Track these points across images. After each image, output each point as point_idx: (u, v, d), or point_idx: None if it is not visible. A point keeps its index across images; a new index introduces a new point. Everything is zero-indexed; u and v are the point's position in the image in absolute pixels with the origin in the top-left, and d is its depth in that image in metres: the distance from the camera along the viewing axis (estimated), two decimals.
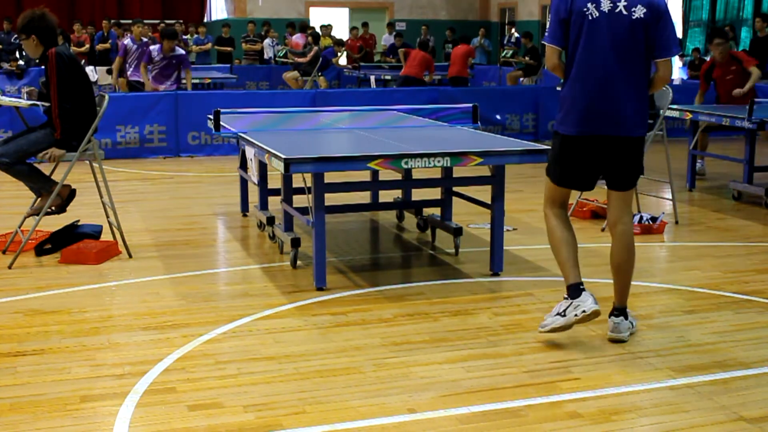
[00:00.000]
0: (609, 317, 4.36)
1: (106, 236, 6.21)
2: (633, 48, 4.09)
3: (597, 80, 4.13)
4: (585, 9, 4.09)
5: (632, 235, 4.39)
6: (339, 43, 18.85)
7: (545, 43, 4.24)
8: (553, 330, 4.23)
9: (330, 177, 5.27)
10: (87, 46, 17.36)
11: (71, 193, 6.02)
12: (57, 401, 3.57)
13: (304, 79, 15.67)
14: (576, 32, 4.12)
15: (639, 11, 4.06)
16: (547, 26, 4.24)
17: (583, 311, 4.18)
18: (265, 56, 19.56)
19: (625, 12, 4.06)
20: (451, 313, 4.74)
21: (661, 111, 6.86)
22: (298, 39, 16.54)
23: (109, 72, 15.82)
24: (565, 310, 4.21)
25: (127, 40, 12.38)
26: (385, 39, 21.22)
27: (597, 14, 4.08)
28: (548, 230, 4.39)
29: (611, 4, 4.07)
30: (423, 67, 14.42)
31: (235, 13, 23.38)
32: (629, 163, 4.26)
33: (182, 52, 11.78)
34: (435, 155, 5.04)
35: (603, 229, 6.75)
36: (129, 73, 12.30)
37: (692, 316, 4.75)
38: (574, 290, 4.24)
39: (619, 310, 4.35)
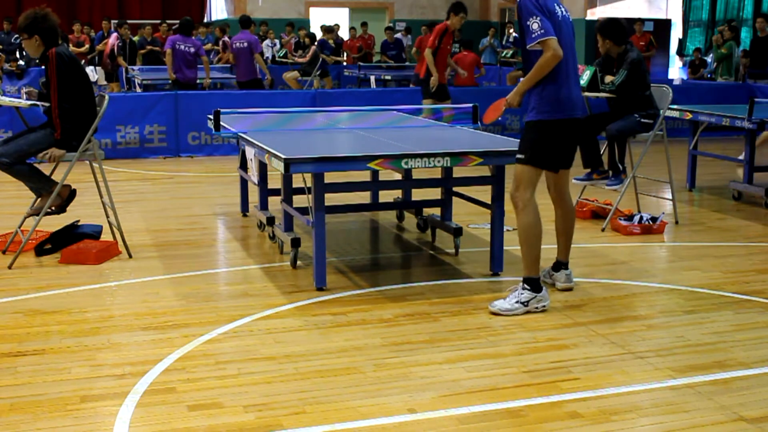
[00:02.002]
0: (559, 271, 5.12)
1: (106, 236, 6.21)
2: (574, 44, 4.79)
3: (572, 70, 4.71)
4: (554, 10, 4.63)
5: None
6: (328, 29, 18.66)
7: (545, 39, 4.49)
8: (511, 315, 4.70)
9: (330, 177, 5.27)
10: (87, 46, 17.34)
11: (71, 193, 6.02)
12: (57, 401, 3.57)
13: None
14: (555, 30, 4.58)
15: (569, 16, 4.80)
16: (533, 28, 4.51)
17: (543, 306, 4.76)
18: (264, 56, 19.55)
19: (569, 17, 4.77)
20: (451, 313, 4.74)
21: (661, 111, 6.86)
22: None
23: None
24: (528, 302, 4.73)
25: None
26: (385, 43, 21.08)
27: (560, 17, 4.66)
28: (529, 223, 4.73)
29: (563, 11, 4.72)
30: None
31: (235, 13, 23.36)
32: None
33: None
34: (435, 155, 5.04)
35: (603, 229, 6.75)
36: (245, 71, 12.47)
37: (692, 316, 4.75)
38: (538, 285, 4.77)
39: (566, 264, 5.13)
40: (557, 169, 4.85)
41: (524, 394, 3.65)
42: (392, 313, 4.74)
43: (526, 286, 4.74)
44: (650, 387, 3.76)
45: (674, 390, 3.72)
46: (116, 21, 17.51)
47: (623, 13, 19.93)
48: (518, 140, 6.04)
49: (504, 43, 20.05)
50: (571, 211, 5.06)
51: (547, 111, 4.67)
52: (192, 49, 11.75)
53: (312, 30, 19.80)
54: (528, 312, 4.71)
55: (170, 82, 11.94)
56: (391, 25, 22.56)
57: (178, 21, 12.51)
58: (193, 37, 12.24)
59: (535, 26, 4.49)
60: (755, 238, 6.60)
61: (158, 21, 19.87)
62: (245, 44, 12.37)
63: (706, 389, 3.72)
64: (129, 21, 17.99)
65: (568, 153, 4.87)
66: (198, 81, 13.03)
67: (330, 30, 18.66)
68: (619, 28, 6.80)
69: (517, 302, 4.72)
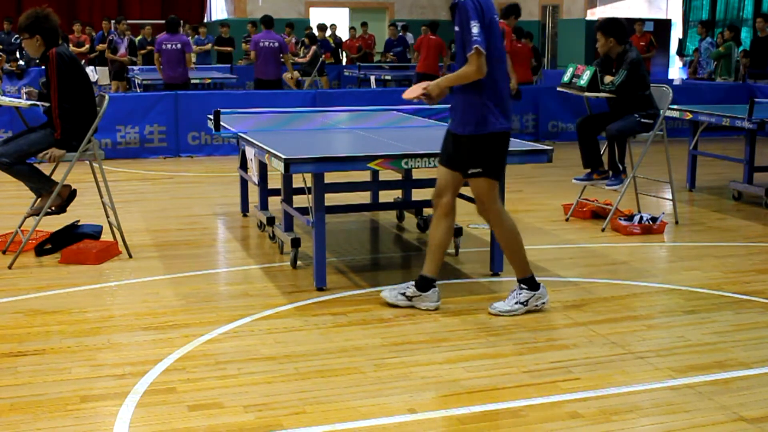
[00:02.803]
0: (429, 290, 4.80)
1: (106, 236, 6.21)
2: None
3: (505, 80, 4.63)
4: (494, 18, 4.50)
5: None
6: (321, 27, 18.76)
7: (481, 49, 4.37)
8: (511, 316, 4.69)
9: (330, 177, 5.27)
10: (87, 46, 17.34)
11: (71, 194, 6.02)
12: (57, 401, 3.58)
13: (301, 79, 15.67)
14: (493, 39, 4.49)
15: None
16: (474, 32, 4.37)
17: (543, 302, 4.77)
18: None
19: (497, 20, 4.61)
20: (451, 313, 4.74)
21: (661, 111, 6.86)
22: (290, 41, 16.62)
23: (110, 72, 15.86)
24: (527, 301, 4.72)
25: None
26: (389, 41, 21.09)
27: (496, 23, 4.53)
28: (508, 230, 4.73)
29: (495, 14, 4.55)
30: (437, 57, 14.10)
31: (235, 13, 23.37)
32: None
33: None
34: (435, 155, 5.04)
35: (603, 229, 6.75)
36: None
37: (692, 316, 4.75)
38: (534, 283, 4.76)
39: (435, 281, 4.89)
40: (500, 178, 4.74)
41: (524, 394, 3.65)
42: (392, 313, 4.74)
43: (523, 286, 4.75)
44: (650, 387, 3.76)
45: (674, 390, 3.72)
46: (114, 19, 17.54)
47: (623, 13, 19.94)
48: (517, 140, 6.06)
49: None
50: (454, 224, 4.89)
51: (495, 122, 4.55)
52: (178, 46, 11.98)
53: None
54: (528, 311, 4.71)
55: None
56: (394, 23, 22.54)
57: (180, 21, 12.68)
58: (181, 34, 12.46)
59: (475, 30, 4.36)
60: (755, 238, 6.60)
61: (160, 21, 19.84)
62: (276, 44, 12.51)
63: (706, 389, 3.72)
64: (130, 21, 18.00)
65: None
66: (197, 81, 13.16)
67: (323, 28, 18.77)
68: (620, 27, 6.82)
69: (516, 303, 4.72)
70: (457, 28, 4.50)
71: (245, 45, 19.40)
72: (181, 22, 14.08)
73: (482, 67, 4.41)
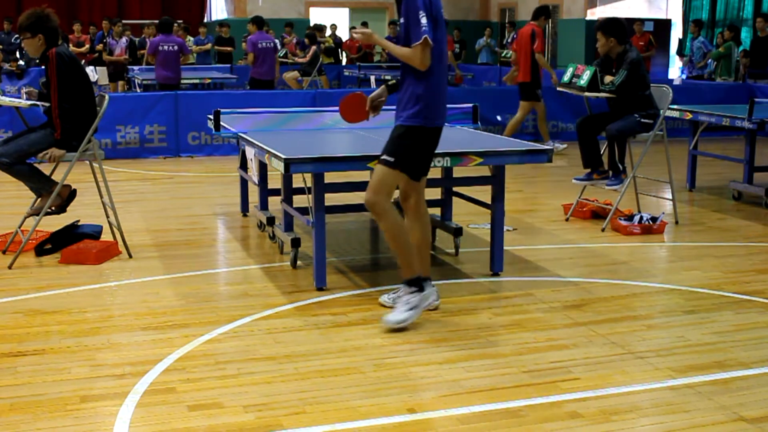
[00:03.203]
0: (429, 287, 4.68)
1: (106, 236, 6.21)
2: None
3: (445, 77, 4.57)
4: (441, 12, 4.43)
5: None
6: (318, 28, 18.80)
7: (429, 40, 4.30)
8: (405, 324, 4.45)
9: (330, 177, 5.27)
10: (87, 46, 17.34)
11: (71, 194, 6.02)
12: (57, 401, 3.58)
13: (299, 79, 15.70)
14: (438, 34, 4.40)
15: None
16: (423, 22, 4.29)
17: (434, 301, 4.69)
18: None
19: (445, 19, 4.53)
20: (451, 313, 4.74)
21: (661, 111, 6.86)
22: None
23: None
24: (418, 304, 4.51)
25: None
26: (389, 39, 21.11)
27: (442, 17, 4.45)
28: (397, 222, 4.56)
29: (443, 11, 4.49)
30: None
31: (235, 13, 23.35)
32: None
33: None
34: (435, 155, 5.03)
35: (603, 229, 6.75)
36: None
37: (692, 316, 4.75)
38: (421, 283, 4.55)
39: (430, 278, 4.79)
40: (420, 178, 4.68)
41: (524, 394, 3.65)
42: None
43: (412, 288, 4.53)
44: (650, 387, 3.77)
45: (674, 390, 3.72)
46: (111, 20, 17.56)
47: (623, 13, 19.93)
48: (517, 140, 6.06)
49: (504, 42, 20.07)
50: (429, 221, 4.86)
51: (429, 117, 4.46)
52: (175, 47, 12.12)
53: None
54: (420, 313, 4.53)
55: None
56: (394, 21, 22.51)
57: (181, 20, 12.71)
58: (174, 35, 12.60)
59: (424, 20, 4.27)
60: (755, 238, 6.60)
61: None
62: (271, 44, 12.74)
63: (706, 389, 3.72)
64: (130, 21, 17.99)
65: (429, 161, 4.72)
66: (197, 80, 13.18)
67: (320, 29, 18.85)
68: (621, 27, 6.82)
69: (411, 309, 4.48)
70: (401, 20, 4.42)
71: (245, 45, 19.41)
72: (178, 22, 14.13)
73: (426, 59, 4.35)
